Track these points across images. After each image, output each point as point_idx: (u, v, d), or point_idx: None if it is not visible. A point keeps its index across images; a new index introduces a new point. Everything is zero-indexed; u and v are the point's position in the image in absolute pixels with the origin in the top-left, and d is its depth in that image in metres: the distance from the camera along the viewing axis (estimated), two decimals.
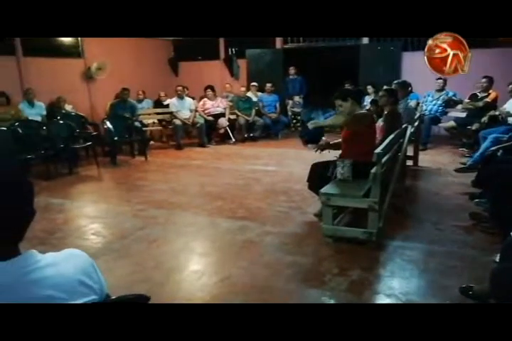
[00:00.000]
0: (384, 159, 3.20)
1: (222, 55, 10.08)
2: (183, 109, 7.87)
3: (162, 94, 8.76)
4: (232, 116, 8.45)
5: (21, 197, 0.88)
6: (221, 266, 2.94)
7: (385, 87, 4.86)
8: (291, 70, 9.06)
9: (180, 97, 7.90)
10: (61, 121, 6.24)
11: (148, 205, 4.30)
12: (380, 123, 4.28)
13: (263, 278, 2.72)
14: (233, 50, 9.90)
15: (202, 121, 7.86)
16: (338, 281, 2.63)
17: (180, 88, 7.95)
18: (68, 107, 7.33)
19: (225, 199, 4.42)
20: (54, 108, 7.09)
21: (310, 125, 3.49)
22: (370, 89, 7.66)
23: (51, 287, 0.88)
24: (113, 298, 1.11)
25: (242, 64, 9.77)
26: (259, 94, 8.91)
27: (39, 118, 6.48)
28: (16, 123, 5.73)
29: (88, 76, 8.20)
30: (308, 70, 9.45)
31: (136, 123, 7.16)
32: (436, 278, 2.67)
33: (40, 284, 0.87)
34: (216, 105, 8.25)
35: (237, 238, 3.39)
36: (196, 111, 8.00)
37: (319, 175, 3.55)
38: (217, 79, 9.71)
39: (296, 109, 9.12)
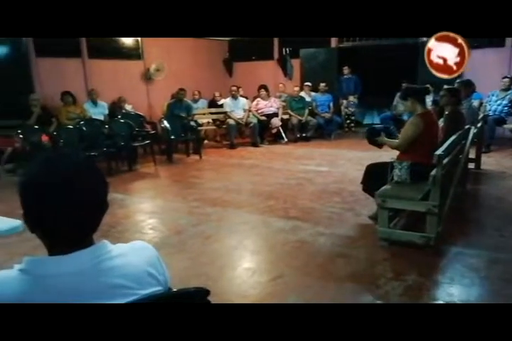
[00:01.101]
0: (445, 161, 3.08)
1: (276, 55, 10.11)
2: (237, 108, 7.99)
3: (217, 94, 8.93)
4: (285, 116, 8.45)
5: (103, 191, 0.95)
6: (273, 265, 2.95)
7: (445, 87, 4.67)
8: (345, 70, 8.93)
9: (234, 97, 8.02)
10: (122, 120, 6.54)
11: (202, 202, 4.41)
12: (440, 123, 4.12)
13: (316, 278, 2.71)
14: (287, 49, 9.89)
15: (255, 120, 7.93)
16: (393, 285, 2.57)
17: (234, 88, 8.07)
18: (128, 107, 7.68)
19: (277, 199, 4.44)
20: (115, 107, 7.46)
21: (375, 139, 3.61)
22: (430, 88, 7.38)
23: (121, 276, 0.93)
24: (174, 290, 1.15)
25: (295, 63, 9.74)
26: (313, 93, 8.85)
27: (102, 117, 6.82)
28: (81, 122, 6.07)
29: (147, 77, 8.53)
30: (364, 69, 9.26)
31: (192, 123, 7.36)
32: (499, 286, 2.53)
33: (112, 272, 0.92)
34: (269, 105, 8.29)
35: (289, 238, 3.39)
36: (249, 110, 8.09)
37: (374, 176, 3.48)
38: (271, 79, 9.75)
39: (350, 109, 8.98)
